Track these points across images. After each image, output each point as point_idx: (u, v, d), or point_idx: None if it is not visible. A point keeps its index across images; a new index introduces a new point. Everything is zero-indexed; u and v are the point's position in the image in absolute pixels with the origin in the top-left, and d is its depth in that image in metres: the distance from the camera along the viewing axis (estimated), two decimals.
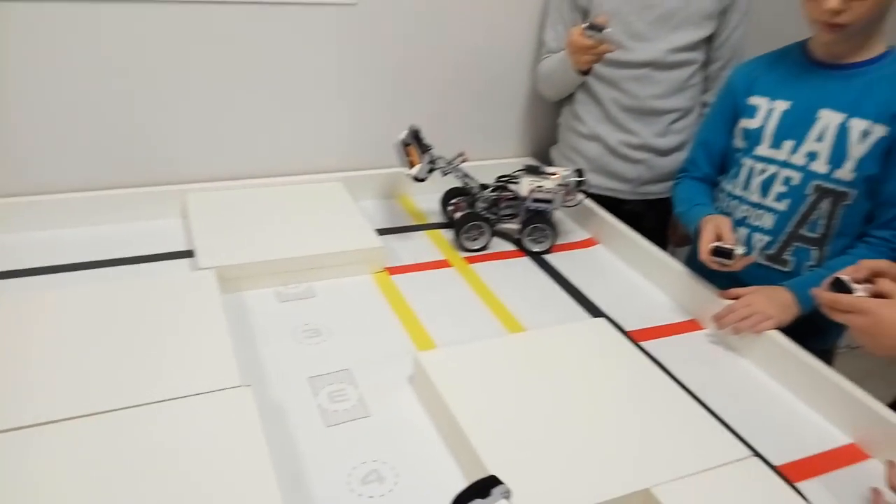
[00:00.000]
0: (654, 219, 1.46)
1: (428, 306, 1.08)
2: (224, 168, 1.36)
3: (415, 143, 1.25)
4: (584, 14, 1.35)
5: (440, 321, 1.04)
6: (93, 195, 1.24)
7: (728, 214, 1.14)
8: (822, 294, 0.84)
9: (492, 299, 1.12)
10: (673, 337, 1.05)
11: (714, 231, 1.05)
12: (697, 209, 1.15)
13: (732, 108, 1.16)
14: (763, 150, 1.11)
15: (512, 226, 1.31)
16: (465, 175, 1.28)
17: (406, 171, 1.23)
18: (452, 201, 1.36)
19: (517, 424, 0.79)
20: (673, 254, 1.23)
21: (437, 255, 1.24)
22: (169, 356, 0.84)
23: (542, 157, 1.61)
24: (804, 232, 1.09)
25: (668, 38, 1.32)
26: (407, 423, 0.84)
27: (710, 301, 1.07)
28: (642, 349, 0.97)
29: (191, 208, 1.23)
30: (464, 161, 1.28)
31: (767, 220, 1.11)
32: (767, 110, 1.10)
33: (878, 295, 0.81)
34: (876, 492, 0.74)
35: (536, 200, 1.26)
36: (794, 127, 1.07)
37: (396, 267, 1.18)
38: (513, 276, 1.20)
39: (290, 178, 1.39)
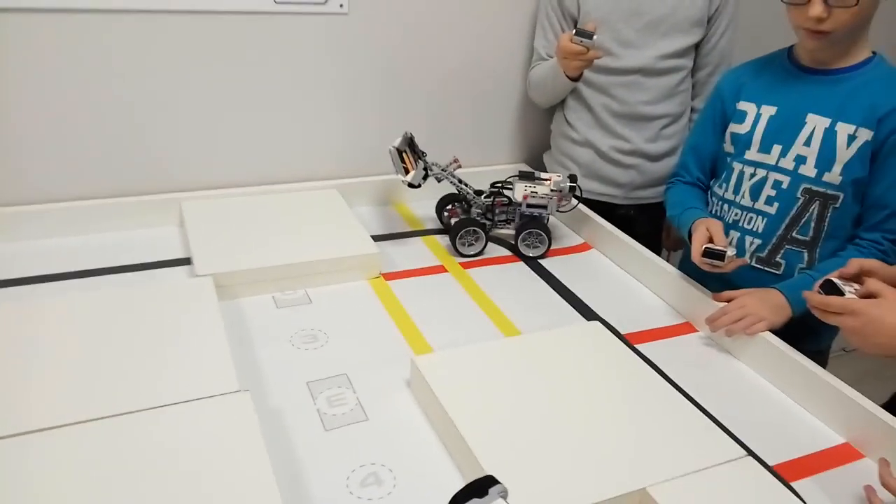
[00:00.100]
0: (647, 223, 1.47)
1: (424, 311, 1.08)
2: (220, 176, 1.37)
3: (409, 150, 1.26)
4: (575, 22, 1.37)
5: (436, 325, 1.05)
6: (90, 204, 1.25)
7: (720, 218, 1.15)
8: (813, 297, 0.85)
9: (487, 303, 1.13)
10: (667, 339, 1.07)
11: (705, 233, 1.07)
12: (689, 212, 1.16)
13: (721, 114, 1.18)
14: (752, 154, 1.12)
15: (507, 231, 1.32)
16: (460, 181, 1.29)
17: (401, 177, 1.24)
18: (448, 207, 1.37)
19: (514, 426, 0.80)
20: (667, 258, 1.24)
21: (433, 261, 1.25)
22: (168, 362, 0.84)
23: (534, 164, 1.62)
24: (795, 235, 1.11)
25: (656, 45, 1.34)
26: (405, 427, 0.85)
27: (704, 304, 1.08)
28: (637, 352, 0.98)
29: (187, 216, 1.23)
30: (458, 167, 1.30)
31: (758, 224, 1.13)
32: (755, 115, 1.12)
33: (867, 295, 0.82)
34: (869, 490, 0.75)
35: (531, 206, 1.28)
36: (782, 131, 1.09)
37: (392, 272, 1.19)
38: (508, 280, 1.21)
39: (286, 185, 1.40)
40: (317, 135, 1.43)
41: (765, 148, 1.11)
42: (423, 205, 1.44)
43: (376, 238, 1.24)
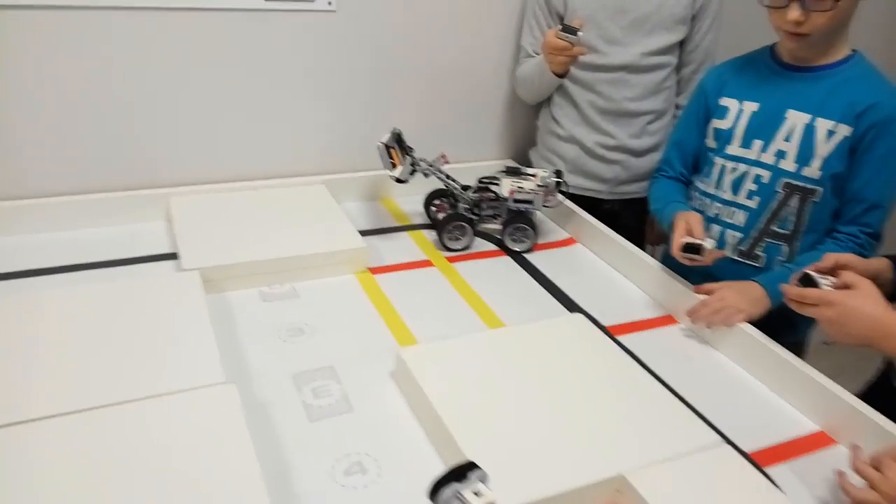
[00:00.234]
0: (631, 218, 1.49)
1: (410, 304, 1.10)
2: (208, 171, 1.38)
3: (397, 145, 1.27)
4: (561, 19, 1.38)
5: (422, 318, 1.06)
6: (77, 199, 1.25)
7: (701, 212, 1.17)
8: (790, 289, 0.87)
9: (473, 297, 1.14)
10: (648, 331, 1.08)
11: (685, 227, 1.08)
12: (671, 206, 1.18)
13: (704, 109, 1.20)
14: (734, 149, 1.14)
15: (494, 226, 1.34)
16: (447, 176, 1.31)
17: (389, 172, 1.25)
18: (435, 202, 1.38)
19: (496, 415, 0.81)
20: (651, 252, 1.26)
21: (420, 256, 1.26)
22: (154, 354, 0.85)
23: (521, 160, 1.64)
24: (775, 228, 1.13)
25: (641, 42, 1.35)
26: (389, 417, 0.86)
27: (685, 296, 1.10)
28: (619, 343, 1.00)
29: (175, 211, 1.24)
30: (445, 163, 1.31)
31: (739, 217, 1.15)
32: (737, 111, 1.14)
33: (843, 287, 0.84)
34: (841, 474, 0.77)
35: (517, 201, 1.29)
36: (763, 127, 1.11)
37: (379, 267, 1.20)
38: (494, 274, 1.22)
39: (274, 180, 1.41)
40: (305, 131, 1.44)
41: (746, 143, 1.13)
42: (410, 200, 1.45)
43: (364, 233, 1.26)
